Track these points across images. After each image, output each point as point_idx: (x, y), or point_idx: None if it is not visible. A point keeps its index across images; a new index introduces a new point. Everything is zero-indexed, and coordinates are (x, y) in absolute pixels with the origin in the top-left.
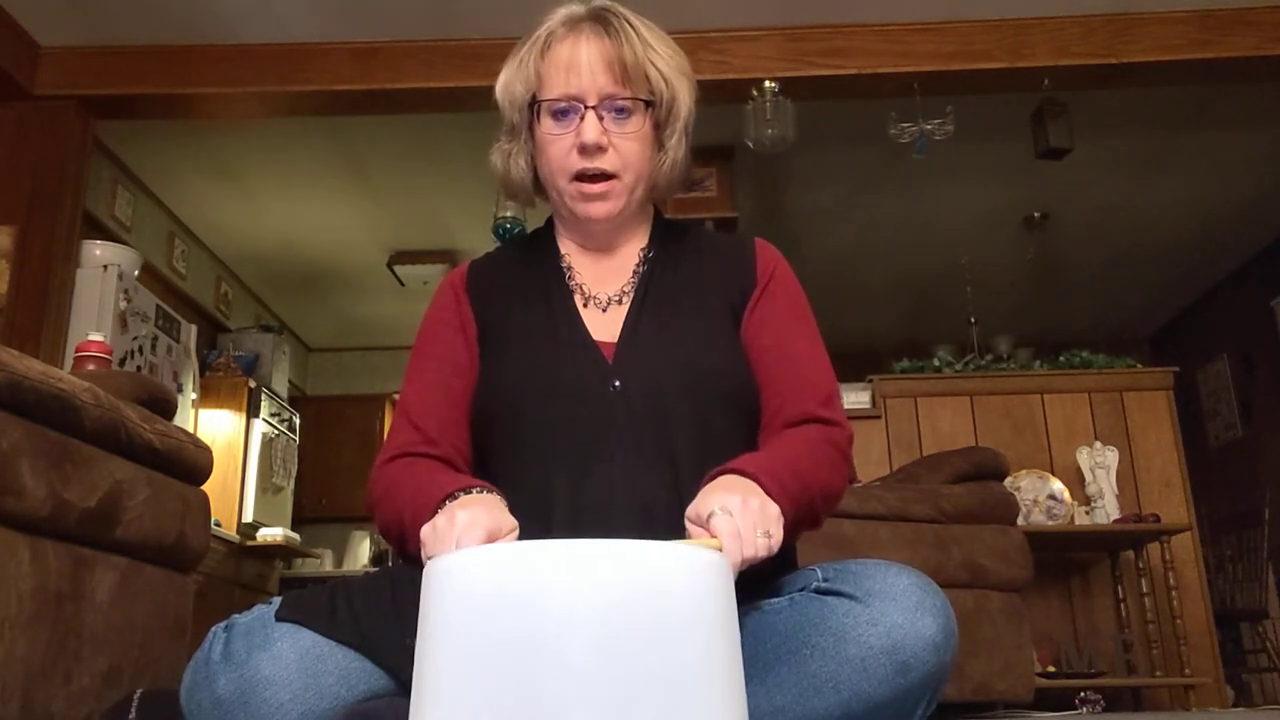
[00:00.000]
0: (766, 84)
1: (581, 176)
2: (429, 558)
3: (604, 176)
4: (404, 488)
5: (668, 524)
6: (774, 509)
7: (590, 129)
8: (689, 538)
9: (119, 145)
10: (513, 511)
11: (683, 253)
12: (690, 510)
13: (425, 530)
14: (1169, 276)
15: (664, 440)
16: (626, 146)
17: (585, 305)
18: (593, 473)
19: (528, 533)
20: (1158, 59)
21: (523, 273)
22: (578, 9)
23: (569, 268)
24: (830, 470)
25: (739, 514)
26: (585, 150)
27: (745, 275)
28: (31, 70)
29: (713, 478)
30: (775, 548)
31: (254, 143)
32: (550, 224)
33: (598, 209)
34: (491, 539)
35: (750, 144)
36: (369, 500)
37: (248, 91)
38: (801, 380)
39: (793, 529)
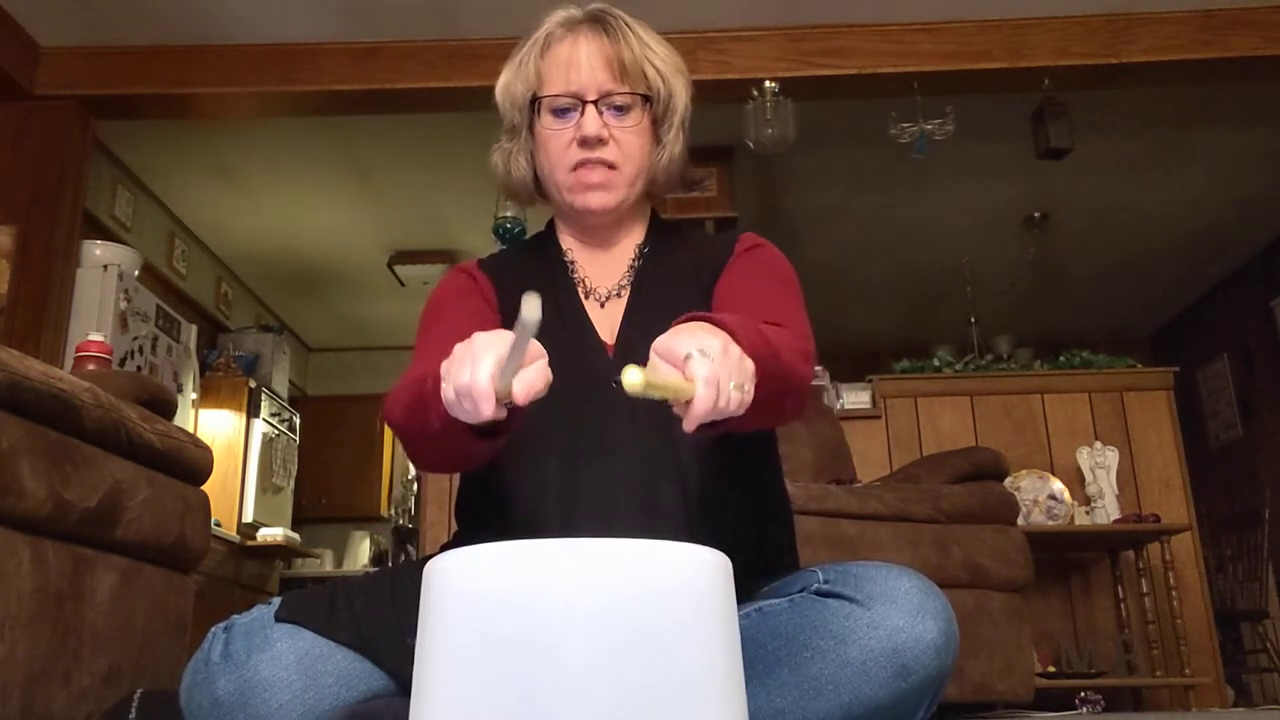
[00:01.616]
0: (766, 84)
1: (582, 166)
2: (446, 388)
3: (604, 168)
4: (424, 372)
5: (670, 519)
6: (750, 365)
7: (590, 122)
8: (649, 369)
9: (119, 145)
10: (514, 505)
11: (675, 248)
12: (661, 344)
13: (443, 364)
14: (1169, 276)
15: (665, 438)
16: (626, 140)
17: (587, 298)
18: (595, 467)
19: (529, 527)
20: (1158, 59)
21: (528, 268)
22: (575, 11)
23: (571, 262)
24: (794, 355)
25: (718, 360)
26: (586, 143)
27: (723, 255)
28: (31, 70)
29: (681, 322)
30: (745, 405)
31: (254, 143)
32: (551, 225)
33: (597, 199)
34: (512, 361)
35: (750, 144)
36: (386, 411)
37: (248, 91)
38: (756, 313)
39: (758, 407)
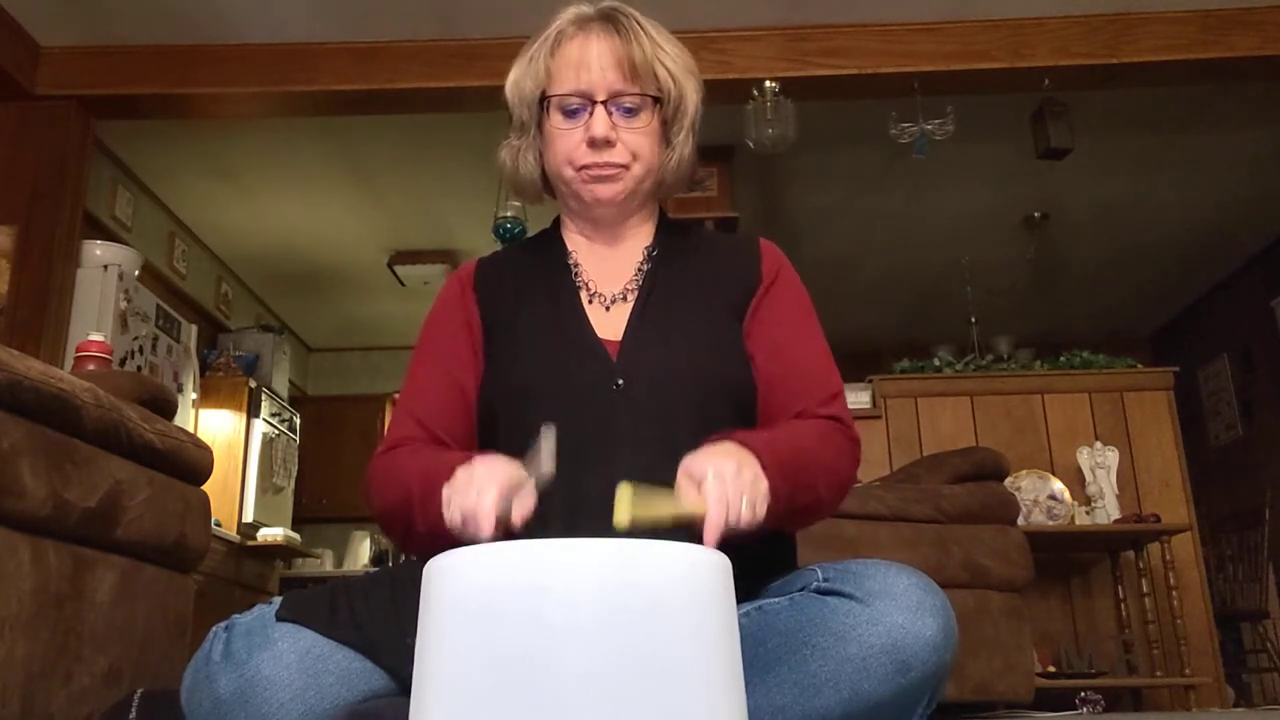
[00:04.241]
0: (767, 84)
1: (590, 169)
2: (450, 510)
3: (612, 168)
4: (410, 468)
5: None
6: (764, 485)
7: (599, 123)
8: (677, 491)
9: (119, 145)
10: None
11: (687, 251)
12: (685, 464)
13: (445, 488)
14: (1169, 276)
15: (667, 440)
16: (635, 141)
17: (590, 302)
18: (595, 472)
19: (528, 530)
20: (1158, 59)
21: (530, 270)
22: (587, 9)
23: (575, 264)
24: (836, 454)
25: (731, 481)
26: (594, 144)
27: (750, 273)
28: (31, 70)
29: (715, 440)
30: (758, 520)
31: (254, 143)
32: (556, 223)
33: (605, 190)
34: (509, 492)
35: (751, 144)
36: (367, 489)
37: (248, 91)
38: (808, 380)
39: (790, 510)
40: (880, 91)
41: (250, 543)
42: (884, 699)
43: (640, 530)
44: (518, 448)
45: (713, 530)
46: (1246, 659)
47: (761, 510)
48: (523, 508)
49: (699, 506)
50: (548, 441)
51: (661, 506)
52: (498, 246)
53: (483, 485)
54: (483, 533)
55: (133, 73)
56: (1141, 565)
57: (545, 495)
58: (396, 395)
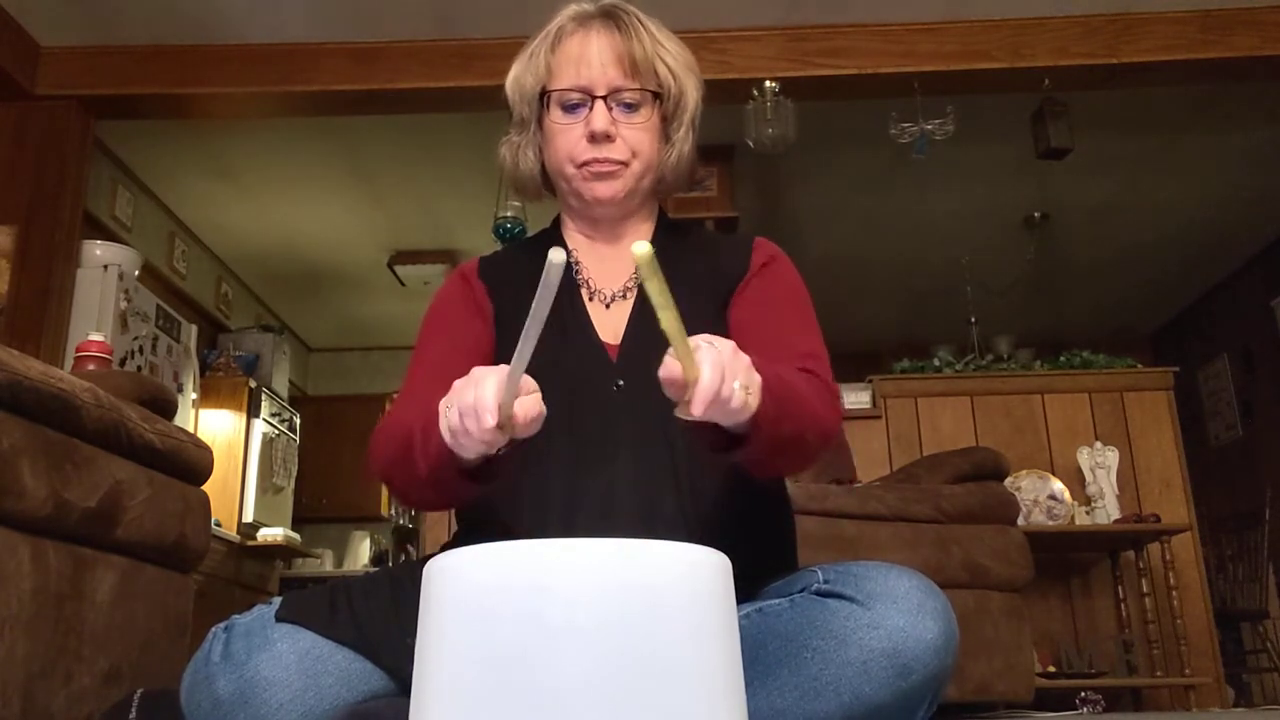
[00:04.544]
0: (767, 84)
1: (590, 164)
2: (449, 413)
3: (611, 164)
4: (413, 415)
5: (668, 524)
6: (758, 377)
7: (599, 117)
8: (671, 356)
9: (119, 145)
10: (514, 509)
11: (686, 250)
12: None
13: (442, 402)
14: (1169, 276)
15: (665, 440)
16: (635, 136)
17: (590, 300)
18: (594, 471)
19: (528, 530)
20: (1158, 59)
21: (530, 269)
22: (588, 6)
23: (576, 262)
24: (817, 396)
25: (729, 358)
26: (594, 138)
27: (739, 267)
28: (31, 70)
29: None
30: (749, 410)
31: (254, 143)
32: (557, 222)
33: (605, 188)
34: (512, 384)
35: (751, 144)
36: (370, 454)
37: (248, 91)
38: (784, 345)
39: (775, 439)
40: (880, 91)
41: (250, 543)
42: (885, 702)
43: (645, 304)
44: (518, 449)
45: (704, 395)
46: (1246, 659)
47: (754, 402)
48: (526, 408)
49: (692, 369)
50: (557, 254)
51: (670, 308)
52: (498, 246)
53: (482, 378)
54: (485, 422)
55: (133, 73)
56: (1141, 565)
57: (545, 497)
58: (395, 395)
